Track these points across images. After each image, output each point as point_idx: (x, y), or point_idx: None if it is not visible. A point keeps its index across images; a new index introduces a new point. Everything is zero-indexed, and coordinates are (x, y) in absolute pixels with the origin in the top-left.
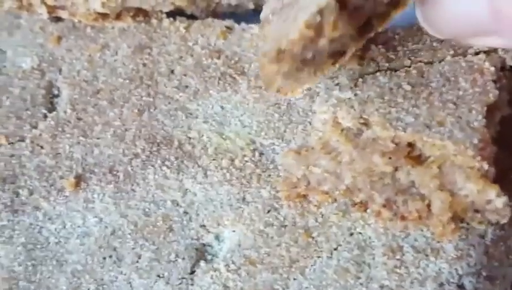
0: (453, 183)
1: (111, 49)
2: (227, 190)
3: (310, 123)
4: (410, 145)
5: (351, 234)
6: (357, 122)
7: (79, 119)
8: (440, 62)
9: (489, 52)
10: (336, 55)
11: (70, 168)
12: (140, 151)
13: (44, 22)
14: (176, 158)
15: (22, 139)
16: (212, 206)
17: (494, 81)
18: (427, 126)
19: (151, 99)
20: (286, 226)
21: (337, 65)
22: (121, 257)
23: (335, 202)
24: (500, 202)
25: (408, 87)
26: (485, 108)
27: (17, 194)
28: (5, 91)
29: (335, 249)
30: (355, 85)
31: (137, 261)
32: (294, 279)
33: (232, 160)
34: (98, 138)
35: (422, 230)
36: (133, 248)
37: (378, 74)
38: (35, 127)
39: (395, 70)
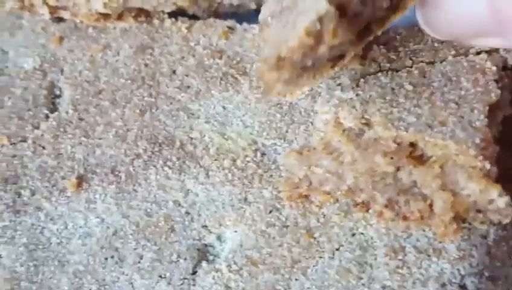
0: (455, 183)
1: (113, 49)
2: (229, 190)
3: (312, 123)
4: (412, 145)
5: (353, 235)
6: (359, 122)
7: (81, 119)
8: (442, 62)
9: (491, 51)
10: (335, 59)
11: (72, 168)
12: (142, 152)
13: (46, 23)
14: (178, 158)
15: (24, 140)
16: (214, 207)
17: (496, 81)
18: (429, 126)
19: (153, 100)
20: (288, 226)
21: (336, 68)
22: (123, 257)
23: (337, 203)
24: (502, 201)
25: (410, 87)
26: (487, 108)
27: (19, 195)
28: (7, 92)
29: (337, 249)
30: (357, 85)
31: (139, 262)
32: (296, 279)
33: (234, 160)
34: (99, 139)
35: (424, 230)
36: (135, 249)
37: (379, 74)
38: (37, 128)
39: (397, 71)
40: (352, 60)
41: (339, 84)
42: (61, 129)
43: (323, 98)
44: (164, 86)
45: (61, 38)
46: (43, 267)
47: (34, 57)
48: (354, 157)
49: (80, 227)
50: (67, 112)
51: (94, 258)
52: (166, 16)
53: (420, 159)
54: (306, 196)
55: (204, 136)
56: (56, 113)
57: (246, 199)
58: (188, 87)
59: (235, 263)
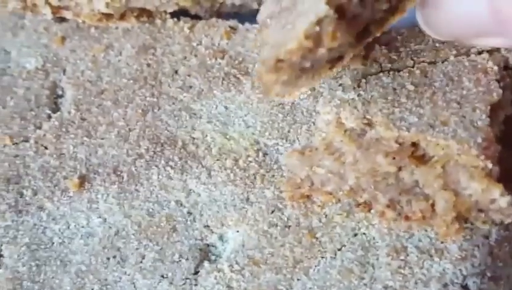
0: (457, 182)
1: (115, 49)
2: (231, 190)
3: (314, 123)
4: (414, 145)
5: (355, 235)
6: (361, 122)
7: (83, 119)
8: (443, 62)
9: (493, 51)
10: (334, 60)
11: (74, 168)
12: (144, 152)
13: (48, 23)
14: (180, 158)
15: (26, 140)
16: (216, 207)
17: (498, 81)
18: (430, 126)
19: (155, 100)
20: (290, 226)
21: (334, 70)
22: (125, 257)
23: (339, 203)
24: (504, 201)
25: (411, 87)
26: (489, 107)
27: (21, 195)
28: (9, 91)
29: (339, 249)
30: (359, 86)
31: (141, 262)
32: (298, 279)
33: (236, 160)
34: (102, 139)
35: (426, 230)
36: (137, 248)
37: (381, 74)
38: (40, 128)
39: (398, 71)
40: (353, 60)
41: (341, 85)
42: (64, 129)
43: (325, 98)
44: (166, 86)
45: (63, 38)
46: (45, 267)
47: (37, 57)
48: (356, 158)
49: (82, 227)
50: (69, 112)
51: (96, 258)
52: (168, 16)
53: (422, 159)
54: (308, 196)
55: (207, 136)
56: (58, 113)
57: (248, 199)
58: (190, 87)
59: (237, 263)
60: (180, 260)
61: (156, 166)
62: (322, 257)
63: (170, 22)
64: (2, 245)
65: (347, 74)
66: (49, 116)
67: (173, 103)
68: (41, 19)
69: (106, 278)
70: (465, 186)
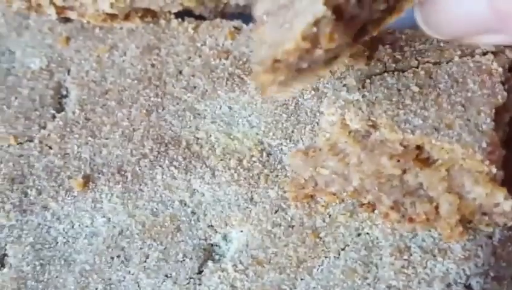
0: (461, 186)
1: (119, 49)
2: (235, 190)
3: (318, 124)
4: (419, 147)
5: (359, 235)
6: (365, 124)
7: (87, 119)
8: (448, 63)
9: (497, 52)
10: (330, 59)
11: (78, 168)
12: (148, 152)
13: (53, 23)
14: (184, 158)
15: (31, 140)
16: (220, 207)
17: (503, 83)
18: (435, 129)
19: (160, 100)
20: (294, 226)
21: (330, 68)
22: (129, 256)
23: (342, 203)
24: (508, 205)
25: (416, 89)
26: (494, 110)
27: (26, 194)
28: (14, 91)
29: (342, 249)
30: (363, 86)
31: (145, 261)
32: (302, 279)
33: (240, 160)
34: (106, 138)
35: (429, 230)
36: (141, 248)
37: (385, 74)
38: (44, 128)
39: (403, 71)
40: (358, 61)
41: (345, 85)
42: (68, 129)
43: (329, 99)
44: (170, 86)
45: (68, 39)
46: (50, 267)
47: (41, 57)
48: (360, 159)
49: (86, 226)
50: (73, 112)
51: (100, 257)
52: (172, 16)
53: (426, 162)
54: (312, 196)
55: (211, 136)
56: (63, 113)
57: (251, 199)
58: (194, 87)
59: (240, 262)
60: (184, 260)
61: (160, 166)
62: (326, 257)
63: (174, 22)
64: (6, 245)
65: (351, 75)
66: (54, 116)
67: (177, 103)
68: (45, 19)
69: (110, 277)
70: (469, 190)
